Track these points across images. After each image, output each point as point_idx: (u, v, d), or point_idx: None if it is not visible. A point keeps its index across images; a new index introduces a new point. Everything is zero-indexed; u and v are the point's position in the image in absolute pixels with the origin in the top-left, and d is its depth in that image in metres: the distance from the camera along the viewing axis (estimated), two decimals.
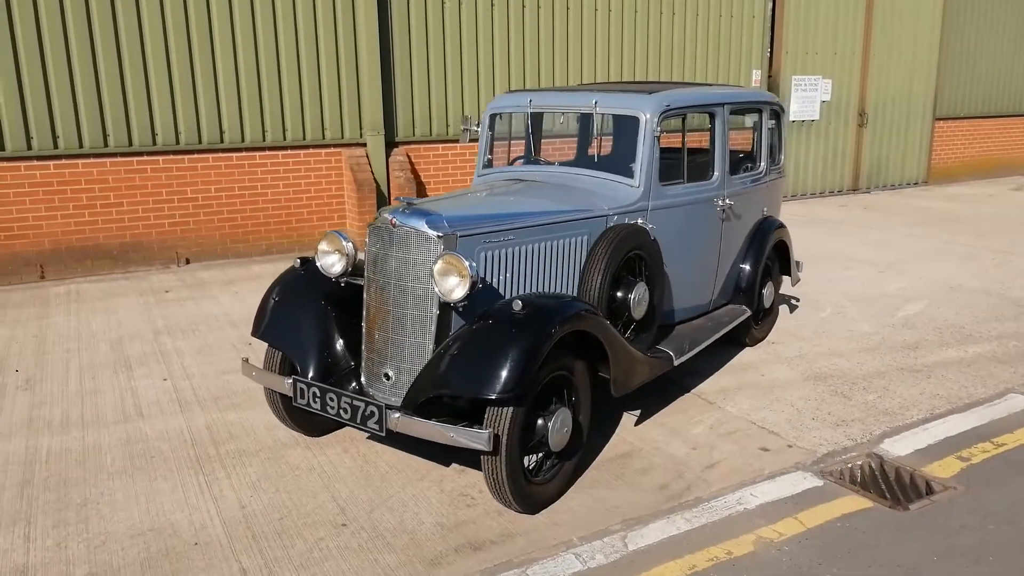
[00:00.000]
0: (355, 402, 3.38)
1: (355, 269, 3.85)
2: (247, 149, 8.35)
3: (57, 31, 7.27)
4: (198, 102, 7.99)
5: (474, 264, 3.36)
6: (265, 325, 3.87)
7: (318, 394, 3.50)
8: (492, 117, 4.92)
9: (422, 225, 3.50)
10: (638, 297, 4.00)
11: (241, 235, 8.45)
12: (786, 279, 6.05)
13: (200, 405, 4.64)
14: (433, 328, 3.52)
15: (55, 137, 7.45)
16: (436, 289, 3.41)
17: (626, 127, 4.35)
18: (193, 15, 7.81)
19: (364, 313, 3.74)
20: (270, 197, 8.58)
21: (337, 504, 3.57)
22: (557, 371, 3.45)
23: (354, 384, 3.79)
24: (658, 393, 4.75)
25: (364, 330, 3.74)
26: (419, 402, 3.31)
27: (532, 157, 4.88)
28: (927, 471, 3.84)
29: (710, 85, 5.73)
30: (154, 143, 7.88)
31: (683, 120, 4.57)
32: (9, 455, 4.03)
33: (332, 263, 3.86)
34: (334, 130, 8.73)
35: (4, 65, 7.11)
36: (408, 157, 9.18)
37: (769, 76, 11.75)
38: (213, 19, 7.90)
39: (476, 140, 4.98)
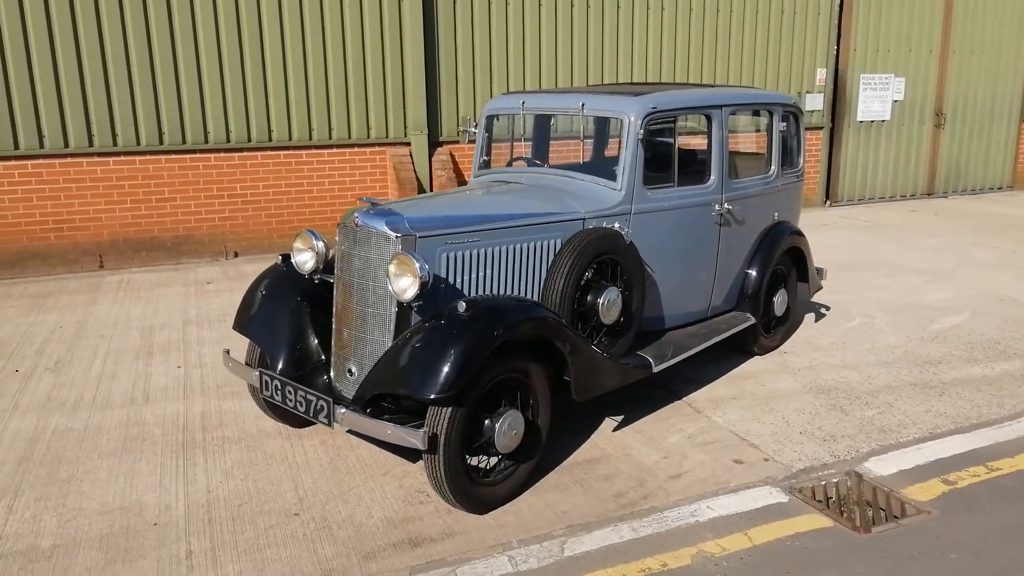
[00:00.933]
0: (308, 396, 3.49)
1: (328, 267, 3.97)
2: (294, 147, 8.65)
3: (117, 37, 7.72)
4: (248, 102, 8.32)
5: (425, 265, 3.41)
6: (244, 319, 4.04)
7: (279, 387, 3.63)
8: (489, 119, 4.95)
9: (382, 226, 3.58)
10: (607, 302, 3.95)
11: (287, 230, 8.75)
12: (804, 288, 5.83)
13: (203, 393, 4.87)
14: (392, 327, 3.59)
15: (114, 135, 7.92)
16: (391, 288, 3.48)
17: (612, 129, 4.31)
18: (244, 17, 8.14)
19: (334, 310, 3.85)
20: (316, 194, 8.87)
21: (297, 494, 3.69)
22: (507, 373, 3.47)
23: (325, 378, 3.90)
24: (646, 399, 4.68)
25: (333, 326, 3.85)
26: (366, 399, 3.39)
27: (524, 159, 4.88)
28: (905, 493, 3.66)
29: (713, 86, 5.59)
30: (206, 141, 8.27)
31: (674, 123, 4.48)
32: (19, 432, 4.34)
33: (305, 260, 3.99)
34: (379, 129, 8.93)
35: (69, 68, 7.60)
36: (452, 156, 9.30)
37: (835, 74, 11.31)
38: (263, 21, 8.22)
39: (474, 141, 5.03)
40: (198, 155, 8.30)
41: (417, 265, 3.38)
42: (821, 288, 6.00)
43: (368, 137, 8.93)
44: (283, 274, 4.12)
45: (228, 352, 4.06)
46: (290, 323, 3.96)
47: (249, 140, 8.44)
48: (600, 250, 3.94)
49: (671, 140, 4.52)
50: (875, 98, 11.42)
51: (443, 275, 3.69)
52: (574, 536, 3.35)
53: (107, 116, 7.85)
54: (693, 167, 4.69)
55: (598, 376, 3.88)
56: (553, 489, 3.74)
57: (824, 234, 9.65)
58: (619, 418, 4.48)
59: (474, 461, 3.52)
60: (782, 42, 10.89)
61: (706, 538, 3.32)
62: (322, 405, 3.42)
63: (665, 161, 4.47)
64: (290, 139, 8.60)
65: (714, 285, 4.87)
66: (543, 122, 5.21)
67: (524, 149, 4.98)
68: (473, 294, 3.80)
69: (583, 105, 4.46)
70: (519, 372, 3.53)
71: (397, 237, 3.55)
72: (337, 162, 8.91)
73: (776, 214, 5.27)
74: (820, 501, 3.62)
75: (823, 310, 6.48)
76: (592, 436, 4.27)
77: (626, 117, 4.25)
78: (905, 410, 4.56)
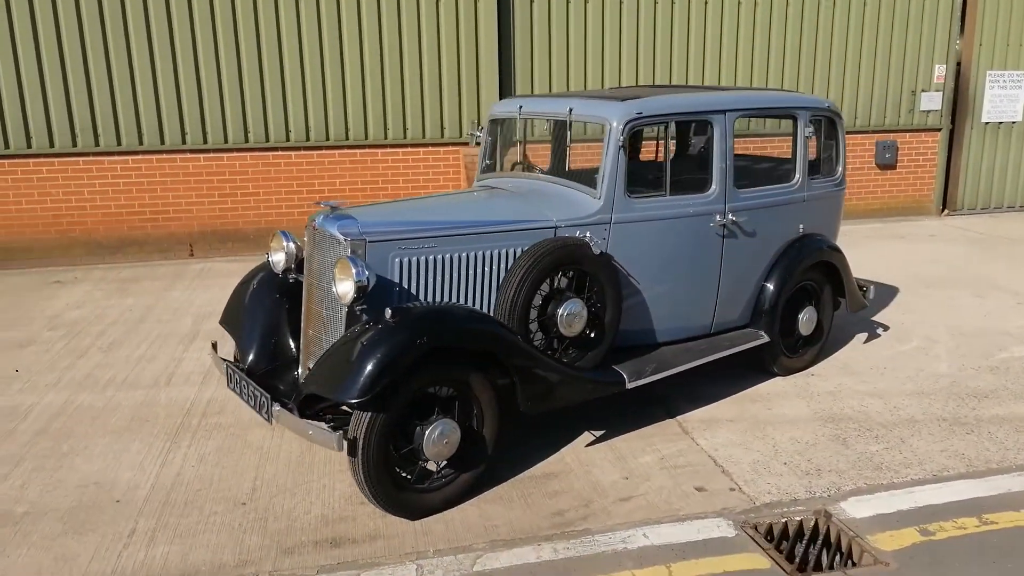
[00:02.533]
0: (255, 391, 3.63)
1: (299, 267, 4.10)
2: (370, 146, 8.96)
3: (209, 45, 8.28)
4: (327, 102, 8.69)
5: (364, 270, 3.46)
6: (226, 315, 4.25)
7: (238, 380, 3.80)
8: (492, 123, 4.93)
9: (334, 229, 3.66)
10: (567, 314, 3.84)
11: None
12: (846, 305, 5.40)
13: (219, 381, 5.16)
14: (342, 328, 3.67)
15: (204, 134, 8.51)
16: (335, 291, 3.56)
17: (597, 135, 4.18)
18: (325, 24, 8.51)
19: (302, 309, 3.98)
20: (390, 192, 9.13)
21: (254, 484, 3.86)
22: (440, 382, 3.46)
23: (295, 374, 4.05)
24: (635, 415, 4.52)
25: (301, 325, 3.99)
26: (300, 399, 3.48)
27: (522, 163, 4.82)
28: (871, 540, 3.34)
29: (727, 89, 5.24)
30: (287, 139, 8.72)
31: (665, 128, 4.29)
32: (48, 406, 4.79)
33: (278, 260, 4.15)
34: (452, 129, 9.07)
35: (164, 69, 8.24)
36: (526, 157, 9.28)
37: (957, 71, 10.34)
38: (343, 27, 8.55)
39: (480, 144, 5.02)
40: (280, 152, 8.77)
41: (354, 269, 3.44)
42: (866, 306, 5.53)
43: (442, 137, 9.09)
44: (268, 273, 4.29)
45: (215, 345, 4.29)
46: (266, 320, 4.13)
47: (327, 139, 8.82)
48: (559, 260, 3.83)
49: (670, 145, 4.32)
50: (1004, 97, 10.34)
51: (396, 280, 3.73)
52: (492, 552, 3.30)
53: (198, 116, 8.44)
54: (691, 175, 4.45)
55: (553, 389, 3.79)
56: (496, 501, 3.69)
57: (927, 246, 8.88)
58: (599, 432, 4.35)
59: (432, 467, 3.55)
60: (894, 36, 10.08)
61: (624, 567, 3.18)
62: (263, 401, 3.55)
63: (655, 168, 4.28)
64: (366, 138, 8.91)
65: (717, 300, 4.61)
66: (558, 126, 5.11)
67: (528, 153, 4.90)
68: (430, 300, 3.82)
69: (571, 110, 4.35)
70: (457, 381, 3.51)
71: (346, 241, 3.62)
72: (411, 161, 9.14)
73: (801, 226, 4.91)
74: (770, 540, 3.37)
75: (879, 330, 5.98)
76: (562, 449, 4.17)
77: (608, 123, 4.11)
78: (916, 447, 4.14)
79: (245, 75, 8.45)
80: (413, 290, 3.78)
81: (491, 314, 3.83)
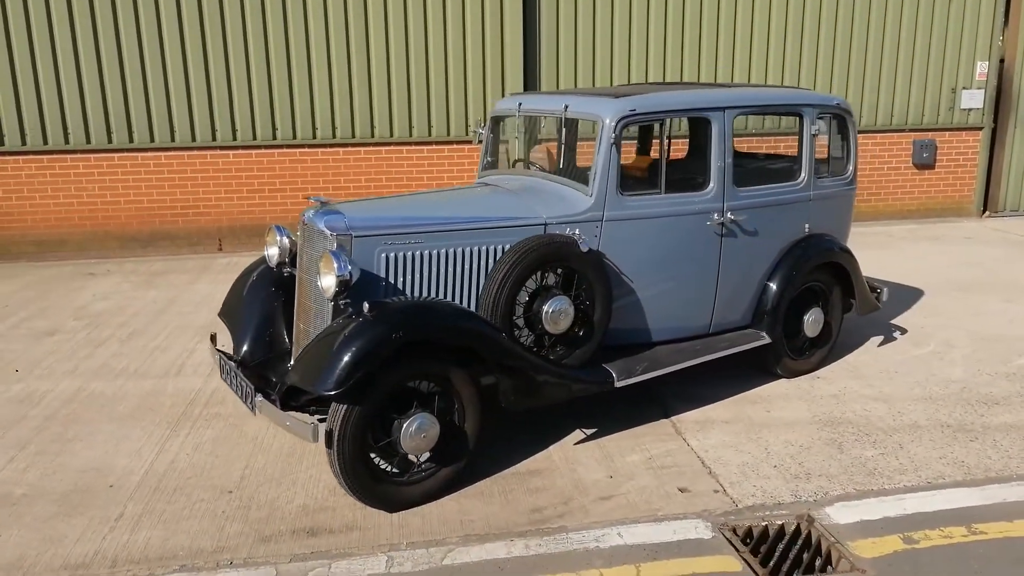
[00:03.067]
0: (242, 382, 3.71)
1: (293, 261, 4.17)
2: (395, 143, 9.04)
3: (239, 44, 8.46)
4: (353, 99, 8.80)
5: (346, 264, 3.51)
6: (225, 307, 4.35)
7: (228, 371, 3.88)
8: (494, 120, 4.94)
9: (321, 224, 3.72)
10: (552, 311, 3.83)
11: None
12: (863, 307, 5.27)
13: None
14: (328, 322, 3.71)
15: (234, 130, 8.69)
16: (319, 285, 3.61)
17: (590, 132, 4.15)
18: (352, 24, 8.61)
19: (295, 302, 4.05)
20: (414, 188, 9.21)
21: (243, 473, 3.94)
22: (419, 376, 3.49)
23: (288, 365, 4.11)
24: (630, 414, 4.48)
25: (295, 318, 4.05)
26: (282, 391, 3.54)
27: (522, 160, 4.81)
28: (851, 546, 3.26)
29: (728, 86, 5.14)
30: (314, 136, 8.86)
31: (661, 126, 4.24)
32: (61, 392, 4.95)
33: (272, 255, 4.22)
34: (478, 127, 9.09)
35: (196, 68, 8.44)
36: (548, 152, 9.26)
37: (1000, 68, 9.99)
38: (369, 23, 8.65)
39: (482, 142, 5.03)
40: (306, 149, 8.91)
41: (336, 264, 3.49)
42: (878, 308, 5.38)
43: (467, 134, 9.13)
44: (265, 267, 4.37)
45: (214, 337, 4.38)
46: (261, 313, 4.21)
47: (353, 136, 8.93)
48: (545, 257, 3.82)
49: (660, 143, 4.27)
50: None
51: (383, 274, 3.77)
52: (464, 546, 3.31)
53: (228, 113, 8.63)
54: (688, 173, 4.40)
55: (536, 386, 3.79)
56: (476, 496, 3.70)
57: (962, 248, 8.61)
58: (589, 431, 4.33)
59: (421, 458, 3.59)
60: (933, 32, 9.78)
61: (593, 565, 3.16)
62: (248, 392, 3.62)
63: (651, 166, 4.24)
64: (391, 135, 9.00)
65: (716, 300, 4.55)
66: (556, 124, 5.08)
67: (529, 150, 4.89)
68: (417, 295, 3.85)
69: (566, 107, 4.34)
70: (436, 376, 3.53)
71: (332, 235, 3.67)
72: (436, 158, 9.20)
73: (807, 226, 4.81)
74: (747, 543, 3.32)
75: (896, 333, 5.82)
76: (550, 447, 4.17)
77: (600, 120, 4.08)
78: (914, 454, 4.03)
79: (273, 73, 8.61)
80: (400, 285, 3.81)
81: (476, 310, 3.84)
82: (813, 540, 3.35)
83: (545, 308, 3.84)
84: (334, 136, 8.90)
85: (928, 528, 3.37)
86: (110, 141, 8.51)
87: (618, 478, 3.85)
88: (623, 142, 4.09)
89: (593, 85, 9.27)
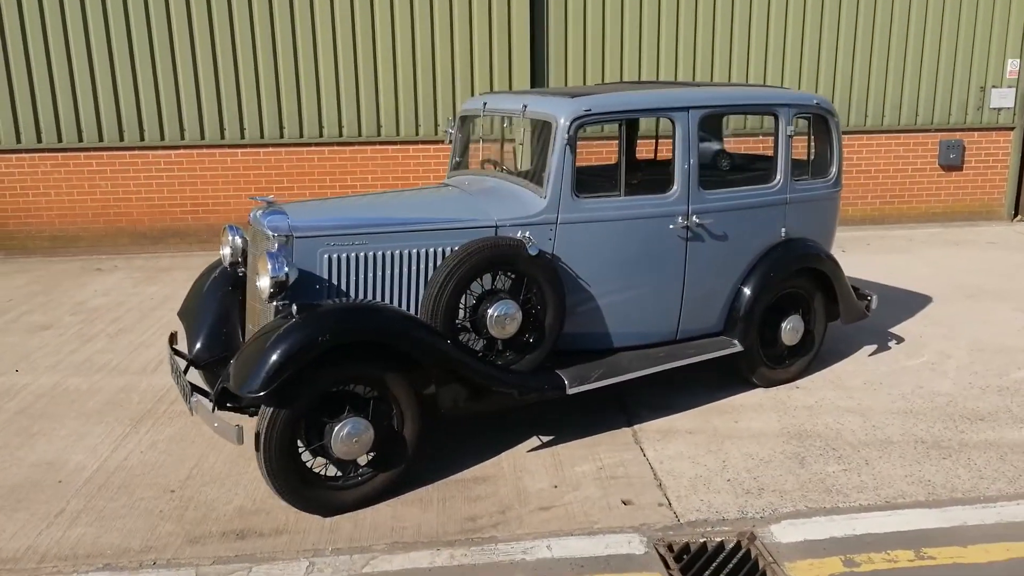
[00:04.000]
0: (182, 382, 3.71)
1: (246, 260, 4.15)
2: (401, 142, 9.03)
3: (247, 40, 8.55)
4: (359, 99, 8.81)
5: (282, 266, 3.48)
6: (183, 306, 4.36)
7: (174, 370, 3.89)
8: (462, 119, 4.86)
9: (264, 225, 3.69)
10: (497, 315, 3.74)
11: None
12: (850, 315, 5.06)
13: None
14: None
15: (242, 129, 8.78)
16: (258, 285, 3.59)
17: (546, 133, 4.06)
18: (360, 20, 8.63)
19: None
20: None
21: (191, 473, 3.94)
22: (351, 380, 3.44)
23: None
24: (591, 422, 4.38)
25: (246, 318, 4.05)
26: (217, 392, 3.52)
27: (492, 161, 4.73)
28: (787, 567, 3.11)
29: (698, 85, 4.96)
30: (320, 135, 8.90)
31: (620, 127, 4.13)
32: (37, 387, 5.04)
33: (225, 254, 4.22)
34: None
35: (205, 67, 8.55)
36: (514, 153, 9.17)
37: None
38: (376, 21, 8.66)
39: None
40: (313, 148, 8.95)
41: (270, 265, 3.46)
42: (866, 317, 5.16)
43: (435, 133, 9.08)
44: (223, 266, 4.37)
45: (174, 335, 4.40)
46: (217, 312, 4.20)
47: (359, 135, 8.94)
48: (490, 260, 3.73)
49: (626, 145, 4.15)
50: None
51: (325, 275, 3.73)
52: (389, 554, 3.26)
53: (236, 112, 8.72)
54: (654, 175, 4.27)
55: (479, 392, 3.72)
56: (415, 502, 3.64)
57: (983, 254, 8.26)
58: (547, 438, 4.23)
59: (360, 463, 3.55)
60: (961, 29, 9.39)
61: None
62: (186, 392, 3.62)
63: (613, 168, 4.13)
64: (398, 134, 8.99)
65: (682, 306, 4.40)
66: (527, 124, 4.98)
67: (492, 150, 4.80)
68: (362, 296, 3.80)
69: (524, 107, 4.24)
70: (371, 380, 3.48)
71: (274, 236, 3.65)
72: (442, 157, 9.15)
73: (784, 230, 4.63)
74: (680, 560, 3.19)
75: (891, 343, 5.59)
76: (502, 454, 4.08)
77: (554, 120, 3.98)
78: (879, 471, 3.84)
79: (281, 72, 8.67)
80: (343, 286, 3.77)
81: (419, 313, 3.78)
82: (752, 559, 3.21)
83: (490, 312, 3.76)
84: (340, 135, 8.92)
85: (874, 551, 3.21)
86: (121, 139, 8.67)
87: (563, 488, 3.75)
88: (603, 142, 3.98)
89: (603, 82, 9.14)
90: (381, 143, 9.00)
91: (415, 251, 3.84)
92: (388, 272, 3.81)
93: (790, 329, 4.74)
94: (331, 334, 3.29)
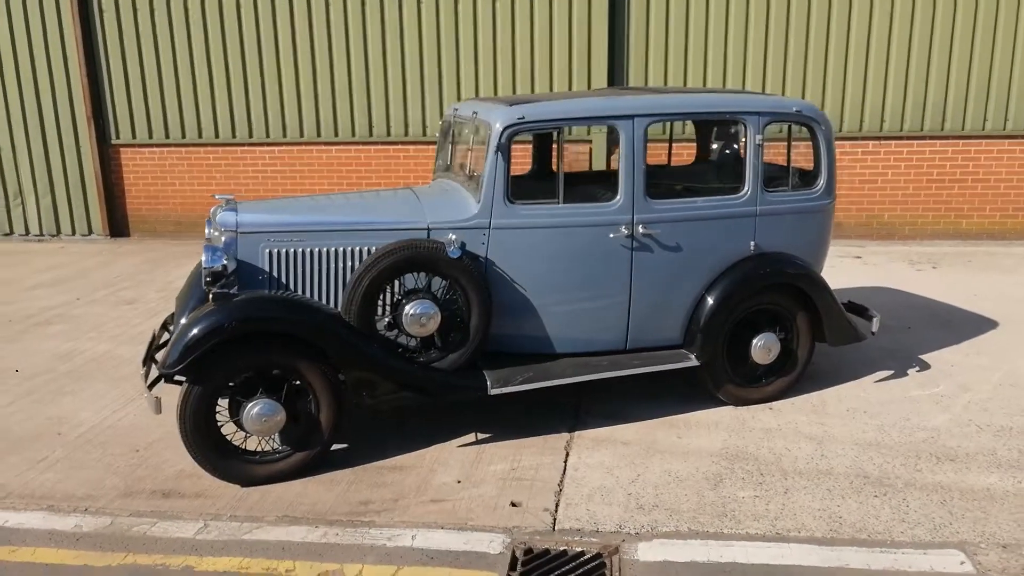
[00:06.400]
0: (144, 359, 4.20)
1: None
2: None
3: (340, 46, 9.20)
4: (442, 101, 9.22)
5: (216, 256, 3.89)
6: (178, 295, 4.89)
7: (149, 347, 4.41)
8: (444, 124, 5.05)
9: (218, 220, 4.11)
10: (413, 314, 3.92)
11: None
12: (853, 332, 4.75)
13: None
14: None
15: (336, 127, 9.46)
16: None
17: (486, 139, 4.18)
18: (444, 29, 9.03)
19: None
20: None
21: (161, 437, 4.43)
22: (264, 365, 3.77)
23: None
24: (537, 425, 4.45)
25: None
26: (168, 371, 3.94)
27: (464, 165, 4.88)
28: None
29: (658, 91, 4.72)
30: (406, 134, 9.40)
31: (558, 134, 4.15)
32: (91, 353, 5.82)
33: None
34: None
35: (304, 72, 9.29)
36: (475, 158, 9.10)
37: None
38: (460, 29, 9.01)
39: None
40: (399, 147, 9.47)
41: (204, 256, 3.87)
42: (861, 340, 4.80)
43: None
44: None
45: (168, 319, 4.93)
46: (197, 297, 4.65)
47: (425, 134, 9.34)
48: (408, 260, 3.91)
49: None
50: None
51: (266, 268, 4.09)
52: (274, 525, 3.55)
53: (331, 113, 9.41)
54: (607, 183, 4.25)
55: (392, 386, 3.92)
56: (325, 482, 3.92)
57: None
58: (484, 435, 4.36)
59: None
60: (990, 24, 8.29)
61: (364, 561, 3.27)
62: (147, 371, 4.11)
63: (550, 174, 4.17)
64: (478, 134, 9.28)
65: (630, 316, 4.35)
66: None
67: (462, 154, 4.92)
68: (300, 289, 4.13)
69: (475, 113, 4.38)
70: (284, 366, 3.79)
71: (222, 231, 4.05)
72: (517, 157, 9.35)
73: (753, 243, 4.43)
74: (527, 563, 3.24)
75: (913, 369, 5.15)
76: (432, 446, 4.26)
77: (491, 127, 4.09)
78: (793, 502, 3.63)
79: (371, 76, 9.25)
80: (283, 279, 4.12)
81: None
82: (593, 571, 3.20)
83: (407, 310, 3.95)
84: (424, 135, 9.37)
85: None
86: (234, 136, 9.62)
87: (466, 484, 3.88)
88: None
89: (684, 84, 8.94)
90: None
91: (348, 249, 4.11)
92: (323, 268, 4.11)
93: (761, 347, 4.53)
94: (239, 321, 3.64)
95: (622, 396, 4.78)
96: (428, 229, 4.13)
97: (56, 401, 4.97)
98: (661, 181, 4.94)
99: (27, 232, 10.18)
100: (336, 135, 9.49)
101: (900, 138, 8.75)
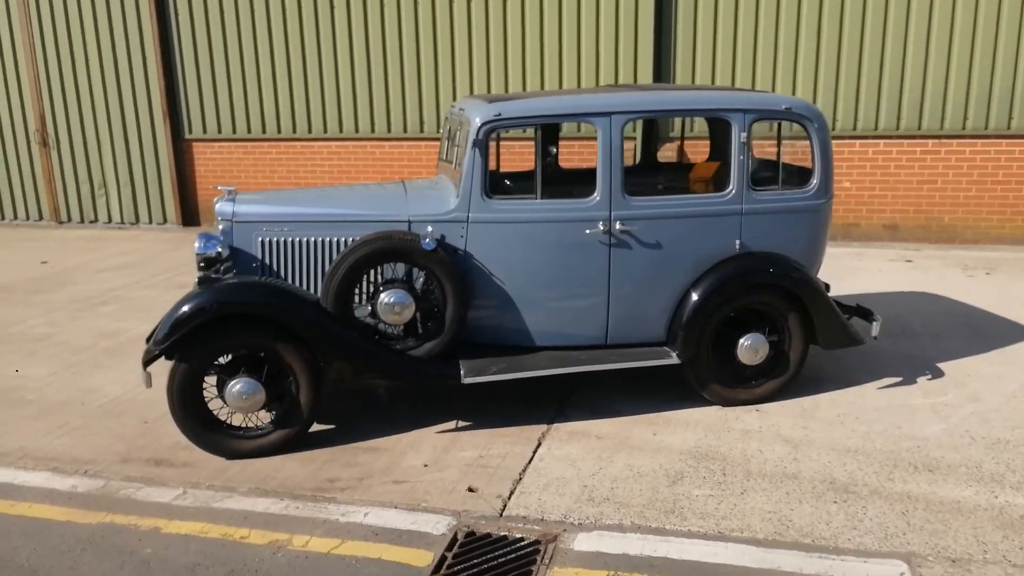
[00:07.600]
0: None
1: None
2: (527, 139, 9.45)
3: (394, 49, 9.49)
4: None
5: (210, 244, 4.17)
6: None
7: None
8: (447, 120, 5.18)
9: (217, 210, 4.40)
10: (387, 302, 4.09)
11: None
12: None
13: None
14: None
15: (389, 123, 9.77)
16: None
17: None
18: (493, 30, 9.19)
19: None
20: None
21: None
22: (244, 346, 4.02)
23: None
24: (520, 414, 4.56)
25: None
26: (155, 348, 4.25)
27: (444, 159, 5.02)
28: (556, 571, 3.16)
29: (641, 89, 4.64)
30: (438, 130, 9.59)
31: (536, 131, 4.22)
32: (134, 333, 6.26)
33: None
34: None
35: (360, 76, 9.64)
36: (681, 148, 9.00)
37: None
38: (508, 31, 9.15)
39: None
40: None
41: (197, 243, 4.16)
42: (859, 343, 4.65)
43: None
44: None
45: None
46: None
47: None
48: (384, 251, 4.07)
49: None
50: None
51: (259, 256, 4.35)
52: (243, 496, 3.79)
53: (384, 110, 9.73)
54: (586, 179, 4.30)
55: (363, 370, 4.11)
56: (302, 459, 4.13)
57: None
58: (465, 423, 4.49)
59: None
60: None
61: (312, 534, 3.46)
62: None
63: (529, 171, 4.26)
64: (523, 132, 9.41)
65: (609, 312, 4.39)
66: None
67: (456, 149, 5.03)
68: (290, 277, 4.37)
69: (461, 110, 4.50)
70: (262, 347, 4.03)
71: (220, 220, 4.34)
72: (566, 154, 9.40)
73: (738, 242, 4.38)
74: (464, 545, 3.36)
75: (924, 376, 4.96)
76: (412, 431, 4.42)
77: (470, 123, 4.21)
78: (746, 503, 3.60)
79: (423, 75, 9.51)
80: (275, 266, 4.37)
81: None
82: (528, 557, 3.27)
83: (382, 298, 4.12)
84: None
85: (646, 574, 3.11)
86: (294, 131, 10.08)
87: (432, 468, 4.02)
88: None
89: (733, 83, 8.78)
90: (514, 140, 9.48)
91: (333, 240, 4.32)
92: (310, 257, 4.34)
93: (748, 347, 4.48)
94: (219, 304, 3.90)
95: (611, 392, 4.81)
96: (409, 222, 4.29)
97: (91, 374, 5.41)
98: (662, 180, 4.95)
99: (109, 220, 10.97)
100: (389, 131, 9.80)
101: (962, 137, 8.33)
